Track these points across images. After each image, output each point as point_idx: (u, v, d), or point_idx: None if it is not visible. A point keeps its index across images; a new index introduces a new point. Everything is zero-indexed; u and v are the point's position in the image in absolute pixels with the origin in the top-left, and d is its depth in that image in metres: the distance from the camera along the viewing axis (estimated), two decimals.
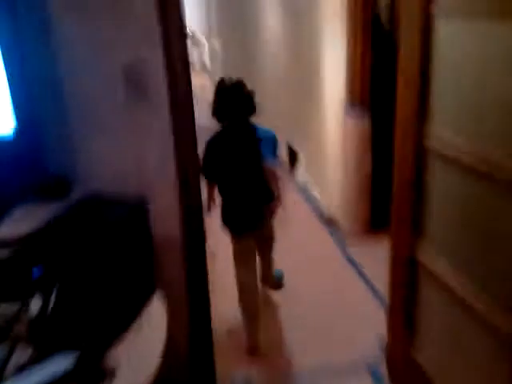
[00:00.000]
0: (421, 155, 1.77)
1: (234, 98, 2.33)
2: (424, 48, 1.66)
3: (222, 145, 2.40)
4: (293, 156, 4.99)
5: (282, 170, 2.61)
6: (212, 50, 10.40)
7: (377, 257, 3.24)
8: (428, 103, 1.71)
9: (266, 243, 2.78)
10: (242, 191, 2.45)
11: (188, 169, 1.62)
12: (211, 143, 2.40)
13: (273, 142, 2.50)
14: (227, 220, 2.50)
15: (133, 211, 1.36)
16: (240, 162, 2.40)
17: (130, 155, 1.55)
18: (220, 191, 2.51)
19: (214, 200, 2.58)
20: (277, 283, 3.09)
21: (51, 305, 1.18)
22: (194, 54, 13.27)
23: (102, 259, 1.22)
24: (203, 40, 12.65)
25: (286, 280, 3.15)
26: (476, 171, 1.49)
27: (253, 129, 2.42)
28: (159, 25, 1.43)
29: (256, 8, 6.04)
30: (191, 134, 1.60)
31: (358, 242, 3.50)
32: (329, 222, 3.84)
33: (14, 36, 1.23)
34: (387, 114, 2.40)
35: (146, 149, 1.56)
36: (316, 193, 4.26)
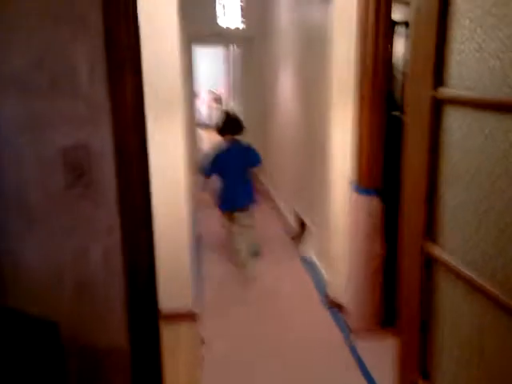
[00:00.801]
0: (429, 267, 1.48)
1: (228, 121, 4.04)
2: (432, 141, 1.41)
3: (223, 153, 3.91)
4: (301, 227, 4.71)
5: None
6: (232, 110, 10.52)
7: (382, 351, 2.88)
8: (436, 205, 1.43)
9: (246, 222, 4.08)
10: (233, 182, 3.85)
11: (138, 264, 1.36)
12: (217, 153, 3.94)
13: (255, 153, 3.99)
14: (222, 202, 4.01)
15: (42, 333, 1.09)
16: (233, 164, 3.86)
17: (65, 252, 1.31)
18: (222, 182, 3.93)
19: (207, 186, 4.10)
20: (254, 251, 4.29)
21: None
22: (213, 113, 13.47)
23: None
24: (225, 99, 12.84)
25: (277, 362, 2.87)
26: (492, 298, 1.19)
27: (240, 143, 3.97)
28: (109, 103, 1.22)
29: (274, 75, 6.06)
30: (144, 226, 1.35)
31: (363, 332, 3.13)
32: (333, 304, 3.49)
33: None
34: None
35: (87, 244, 1.31)
36: (322, 270, 3.94)
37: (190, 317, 3.31)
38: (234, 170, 3.82)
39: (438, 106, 1.38)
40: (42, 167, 1.24)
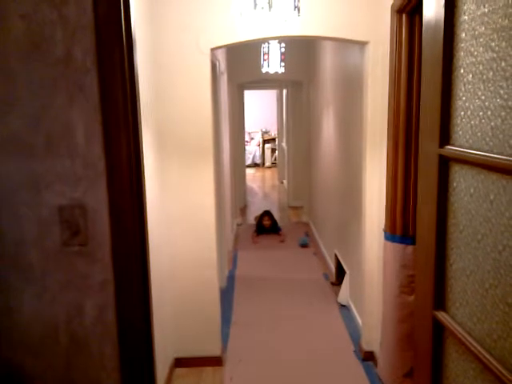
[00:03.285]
0: (440, 336, 1.36)
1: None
2: (440, 202, 1.32)
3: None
4: (341, 272, 4.56)
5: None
6: (281, 150, 10.61)
7: None
8: (446, 270, 1.33)
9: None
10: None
11: (131, 319, 1.35)
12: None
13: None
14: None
15: None
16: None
17: (60, 307, 1.32)
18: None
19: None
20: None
21: None
22: (266, 152, 13.66)
23: None
24: (275, 139, 12.99)
25: None
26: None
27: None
28: (104, 162, 1.25)
29: (319, 118, 6.11)
30: (137, 282, 1.34)
31: None
32: (366, 356, 3.30)
33: None
34: None
35: (82, 299, 1.32)
36: (358, 319, 3.77)
37: (214, 362, 3.23)
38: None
39: (445, 165, 1.30)
40: (39, 225, 1.27)
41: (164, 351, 2.88)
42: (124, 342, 1.38)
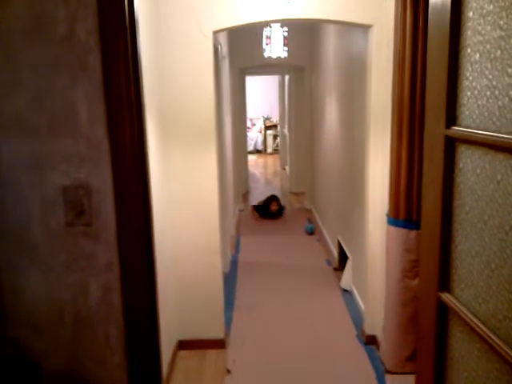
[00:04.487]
0: (444, 317, 1.36)
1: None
2: (446, 183, 1.31)
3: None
4: (344, 258, 4.57)
5: None
6: (283, 136, 10.57)
7: None
8: (451, 251, 1.33)
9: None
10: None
11: (136, 300, 1.36)
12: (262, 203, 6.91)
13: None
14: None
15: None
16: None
17: (65, 287, 1.33)
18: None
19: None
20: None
21: None
22: (268, 139, 13.62)
23: None
24: (277, 125, 12.93)
25: None
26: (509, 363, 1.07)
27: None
28: (108, 142, 1.24)
29: (321, 103, 6.07)
30: (142, 263, 1.35)
31: (398, 373, 2.94)
32: (368, 340, 3.32)
33: None
34: None
35: (87, 280, 1.33)
36: (361, 303, 3.79)
37: (217, 344, 3.26)
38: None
39: (451, 146, 1.29)
40: (43, 206, 1.28)
41: (168, 333, 2.90)
42: (129, 323, 1.39)
